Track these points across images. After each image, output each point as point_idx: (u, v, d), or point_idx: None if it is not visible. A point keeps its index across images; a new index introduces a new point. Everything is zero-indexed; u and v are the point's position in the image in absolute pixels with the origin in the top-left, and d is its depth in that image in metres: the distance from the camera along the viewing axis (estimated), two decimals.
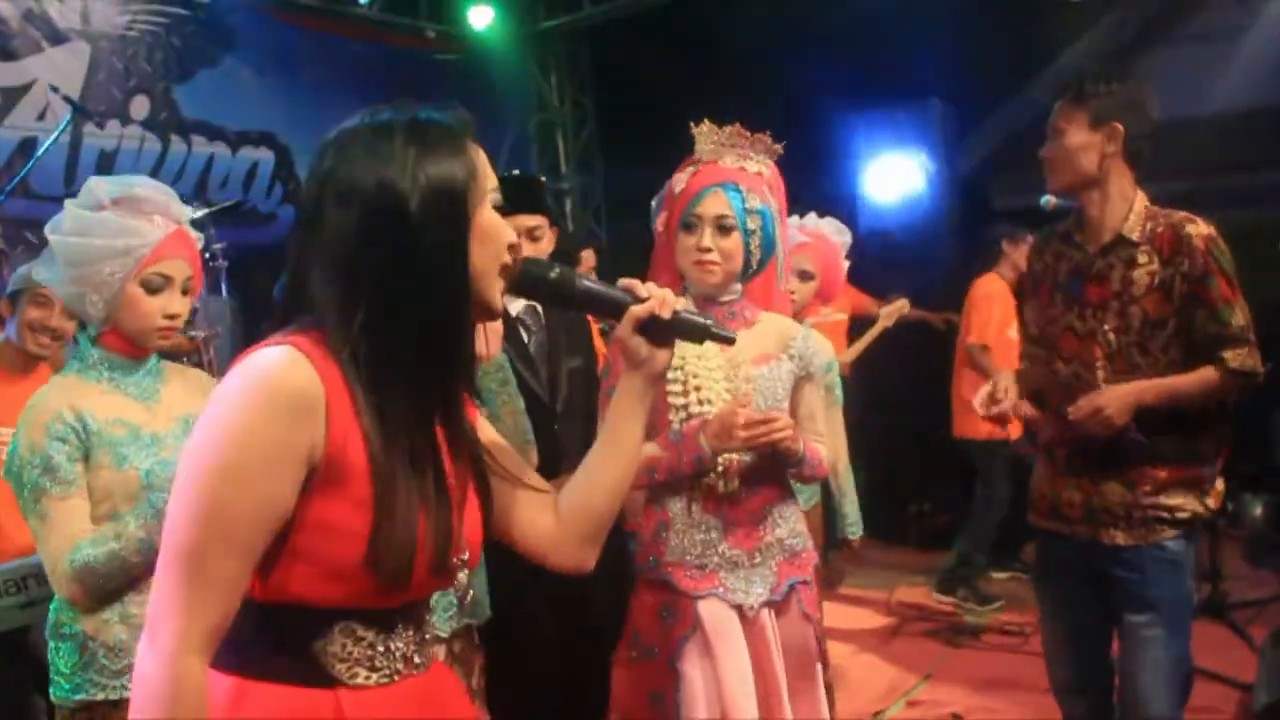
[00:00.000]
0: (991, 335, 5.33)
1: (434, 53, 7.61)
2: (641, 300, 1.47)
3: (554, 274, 1.46)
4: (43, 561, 2.00)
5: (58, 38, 5.71)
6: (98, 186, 2.06)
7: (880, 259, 6.59)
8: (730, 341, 1.55)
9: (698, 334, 1.53)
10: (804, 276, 3.39)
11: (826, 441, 2.42)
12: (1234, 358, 2.47)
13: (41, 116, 5.59)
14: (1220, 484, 2.57)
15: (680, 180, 2.34)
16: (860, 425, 6.33)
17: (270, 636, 1.29)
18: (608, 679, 2.87)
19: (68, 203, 2.06)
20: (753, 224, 2.27)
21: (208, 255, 5.05)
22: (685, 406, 2.23)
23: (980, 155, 7.36)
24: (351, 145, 1.30)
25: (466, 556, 1.38)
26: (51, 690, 2.05)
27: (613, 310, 1.50)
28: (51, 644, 2.06)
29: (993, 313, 5.36)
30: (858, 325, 6.14)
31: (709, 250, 2.24)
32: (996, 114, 7.32)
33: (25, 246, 5.05)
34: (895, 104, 6.84)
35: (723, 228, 2.25)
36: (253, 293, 4.27)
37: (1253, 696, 3.69)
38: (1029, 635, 4.75)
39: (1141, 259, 2.51)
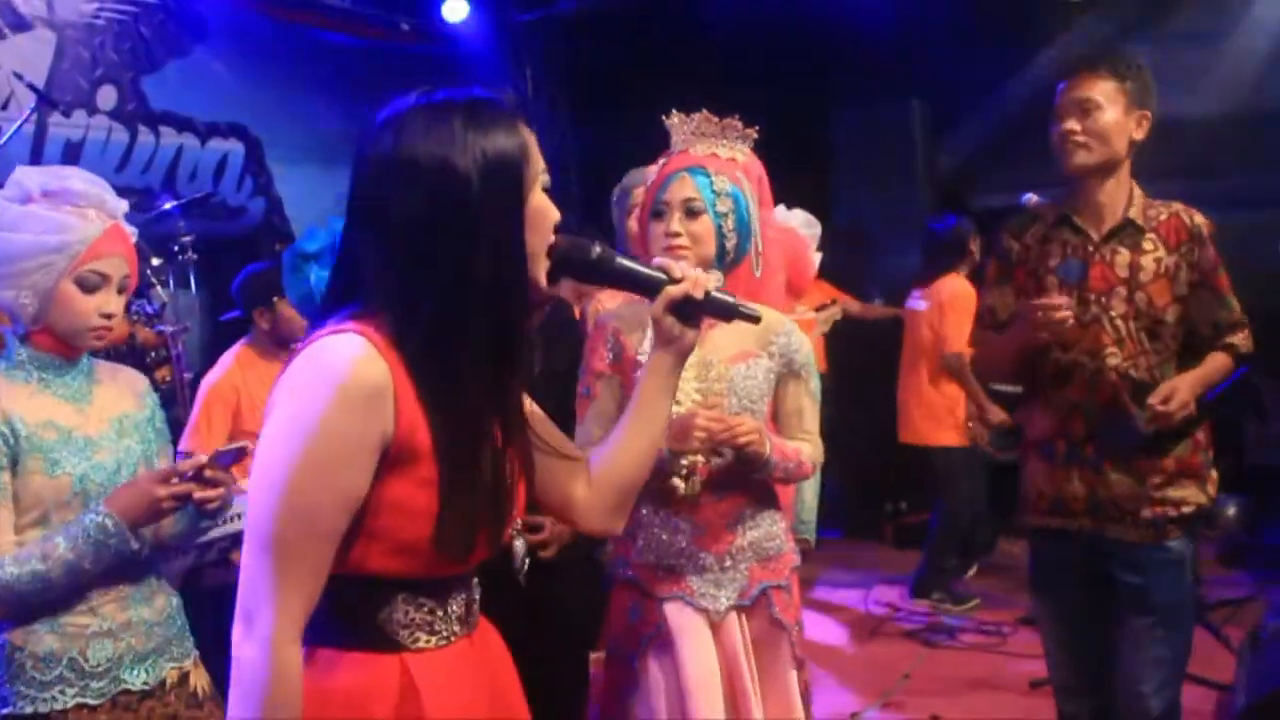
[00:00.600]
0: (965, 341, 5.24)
1: (408, 45, 7.52)
2: (676, 280, 1.51)
3: (595, 254, 1.49)
4: None
5: (22, 25, 5.58)
6: (27, 177, 1.95)
7: (858, 258, 6.58)
8: (756, 319, 1.58)
9: (727, 312, 1.58)
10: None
11: (813, 439, 2.36)
12: (1244, 342, 2.54)
13: (4, 105, 5.46)
14: (1215, 473, 2.57)
15: (651, 172, 2.30)
16: (836, 425, 6.31)
17: (338, 607, 1.35)
18: (581, 679, 2.84)
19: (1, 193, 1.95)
20: (723, 207, 2.19)
21: (176, 248, 4.96)
22: None
23: (960, 155, 7.36)
24: (410, 127, 1.31)
25: (519, 526, 1.51)
26: None
27: (648, 288, 1.53)
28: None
29: (966, 317, 5.21)
30: (834, 323, 6.11)
31: (678, 235, 2.17)
32: (976, 114, 7.33)
33: None
34: (874, 103, 6.80)
35: (691, 211, 2.18)
36: (222, 286, 4.20)
37: (1231, 698, 3.68)
38: (1006, 635, 4.75)
39: (1148, 245, 2.52)
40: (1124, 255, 2.52)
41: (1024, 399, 2.72)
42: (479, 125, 1.31)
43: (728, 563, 2.20)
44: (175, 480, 1.93)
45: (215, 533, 2.89)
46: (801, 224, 3.50)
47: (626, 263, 1.53)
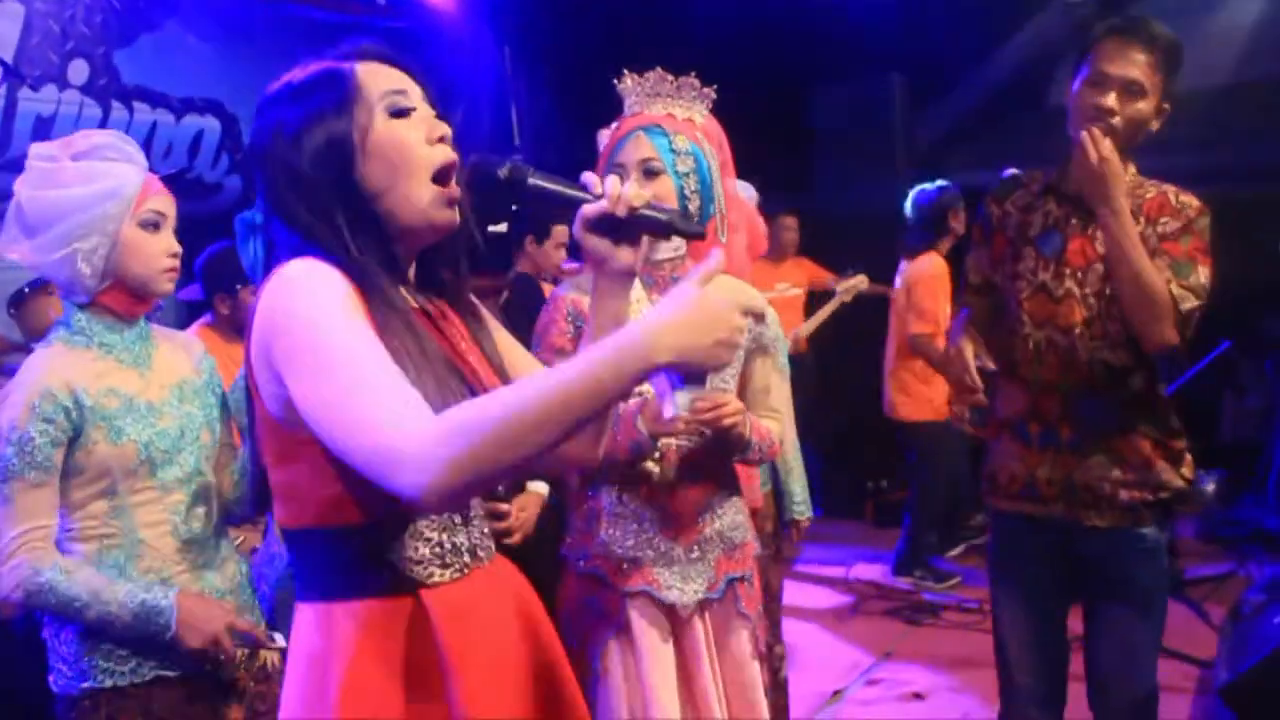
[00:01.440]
0: (936, 321, 5.18)
1: (385, 20, 7.44)
2: (598, 197, 1.46)
3: (504, 171, 1.43)
4: None
5: None
6: (47, 149, 1.92)
7: (838, 234, 6.55)
8: (701, 236, 1.53)
9: (660, 230, 1.50)
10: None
11: (780, 418, 2.29)
12: (1181, 298, 2.30)
13: None
14: (1189, 455, 2.47)
15: (605, 135, 2.19)
16: (817, 403, 6.33)
17: (346, 559, 1.38)
18: None
19: (29, 164, 1.91)
20: (683, 166, 2.09)
21: None
22: (641, 394, 2.06)
23: (940, 130, 7.33)
24: (257, 123, 1.46)
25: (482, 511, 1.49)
26: (52, 680, 1.94)
27: (567, 207, 1.48)
28: (50, 631, 1.95)
29: (937, 297, 5.10)
30: (815, 300, 6.11)
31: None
32: (956, 88, 7.30)
33: None
34: (854, 78, 6.77)
35: (649, 171, 2.06)
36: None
37: (1213, 674, 3.70)
38: (988, 612, 4.72)
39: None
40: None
41: (995, 376, 2.58)
42: (299, 107, 1.41)
43: (695, 553, 2.12)
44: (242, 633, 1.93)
45: None
46: (739, 188, 3.45)
47: (540, 182, 1.44)
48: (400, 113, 1.41)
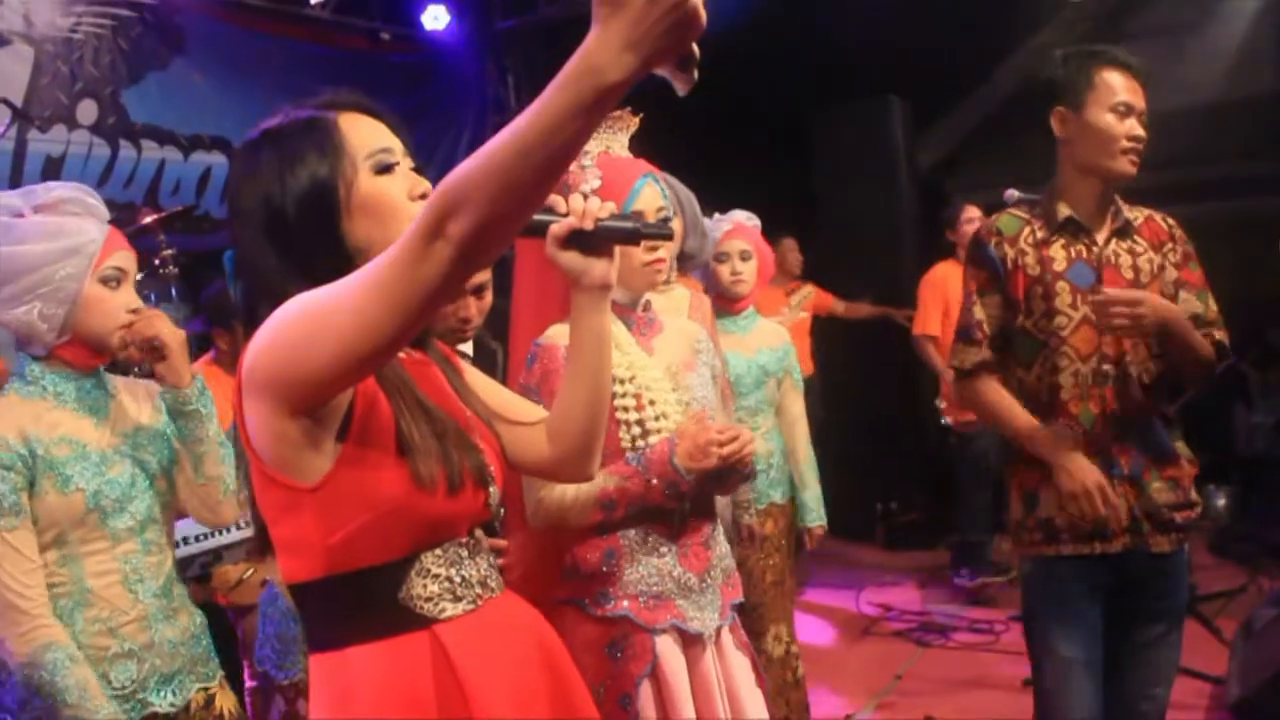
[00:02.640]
0: (936, 325, 5.33)
1: (390, 54, 7.51)
2: (563, 215, 1.53)
3: None
4: None
5: (0, 41, 5.56)
6: (8, 199, 1.94)
7: (842, 256, 6.58)
8: (669, 235, 1.60)
9: (629, 238, 1.59)
10: (744, 256, 3.43)
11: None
12: (1222, 338, 2.45)
13: None
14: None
15: (588, 176, 2.10)
16: (827, 424, 6.33)
17: (357, 603, 1.38)
18: None
19: None
20: (674, 210, 2.16)
21: (157, 262, 4.93)
22: (641, 422, 2.06)
23: (940, 151, 7.37)
24: (236, 170, 1.46)
25: (494, 475, 1.50)
26: None
27: (535, 232, 1.53)
28: None
29: (928, 301, 5.38)
30: (820, 323, 6.12)
31: (657, 248, 2.08)
32: (955, 110, 7.34)
33: None
34: (854, 101, 6.81)
35: (666, 220, 2.10)
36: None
37: (1225, 690, 3.68)
38: (999, 633, 4.74)
39: (1139, 248, 2.48)
40: (1126, 257, 2.45)
41: (1037, 420, 2.48)
42: (282, 154, 1.41)
43: (707, 581, 2.11)
44: None
45: (194, 548, 2.89)
46: (744, 218, 3.54)
47: None
48: (385, 169, 1.43)
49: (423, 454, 1.36)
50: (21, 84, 5.60)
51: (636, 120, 2.18)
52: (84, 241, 1.90)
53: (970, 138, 7.25)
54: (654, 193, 2.09)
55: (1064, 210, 2.48)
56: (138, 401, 2.08)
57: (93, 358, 1.98)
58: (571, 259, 1.55)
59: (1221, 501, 6.45)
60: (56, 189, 1.96)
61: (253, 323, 1.37)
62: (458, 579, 1.43)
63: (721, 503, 2.90)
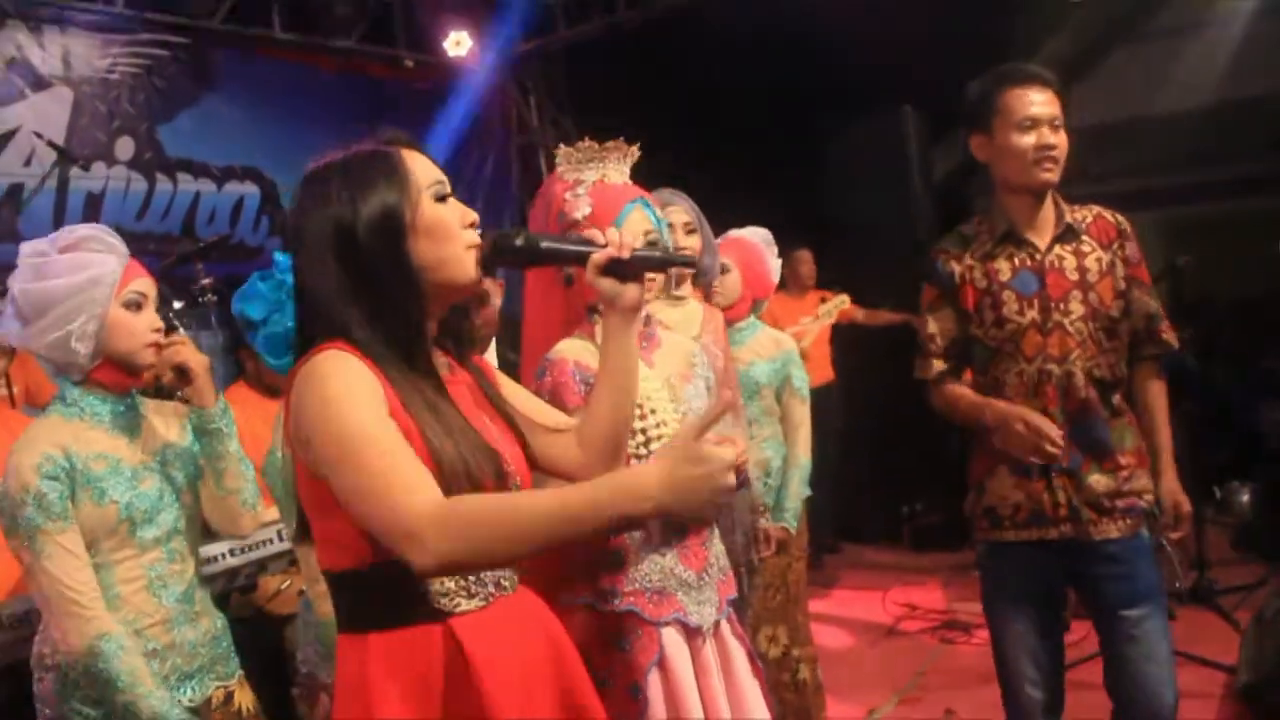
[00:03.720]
0: None
1: (413, 81, 7.69)
2: (602, 246, 1.71)
3: (520, 241, 1.68)
4: (37, 595, 2.05)
5: (41, 84, 5.77)
6: (36, 246, 2.13)
7: (859, 267, 6.69)
8: (691, 264, 1.82)
9: (659, 264, 1.82)
10: (723, 270, 3.45)
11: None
12: (1169, 335, 2.65)
13: (27, 162, 5.65)
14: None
15: (579, 204, 2.23)
16: (851, 430, 6.45)
17: (380, 593, 1.53)
18: None
19: (20, 260, 2.12)
20: (666, 235, 2.27)
21: (196, 290, 5.11)
22: (644, 430, 2.19)
23: (956, 160, 7.44)
24: (304, 199, 1.60)
25: (519, 481, 1.65)
26: None
27: (578, 260, 1.72)
28: (36, 674, 2.13)
29: None
30: (841, 331, 6.22)
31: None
32: None
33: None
34: (866, 113, 6.90)
35: (651, 244, 2.19)
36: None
37: (1235, 677, 3.76)
38: None
39: (1086, 248, 2.60)
40: (1070, 259, 2.58)
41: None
42: (352, 182, 1.57)
43: (705, 578, 2.25)
44: None
45: (239, 559, 3.05)
46: (748, 234, 3.64)
47: (550, 243, 1.74)
48: (442, 198, 1.62)
49: (450, 462, 1.51)
50: (62, 124, 5.83)
51: (633, 149, 2.30)
52: (104, 272, 2.10)
53: None
54: (641, 217, 2.21)
55: (1002, 225, 2.64)
56: (167, 421, 2.28)
57: (125, 379, 2.17)
58: (608, 285, 1.72)
59: (1245, 497, 6.48)
60: (79, 230, 2.15)
61: (305, 344, 1.58)
62: (472, 577, 1.58)
63: (742, 507, 3.04)
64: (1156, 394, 2.68)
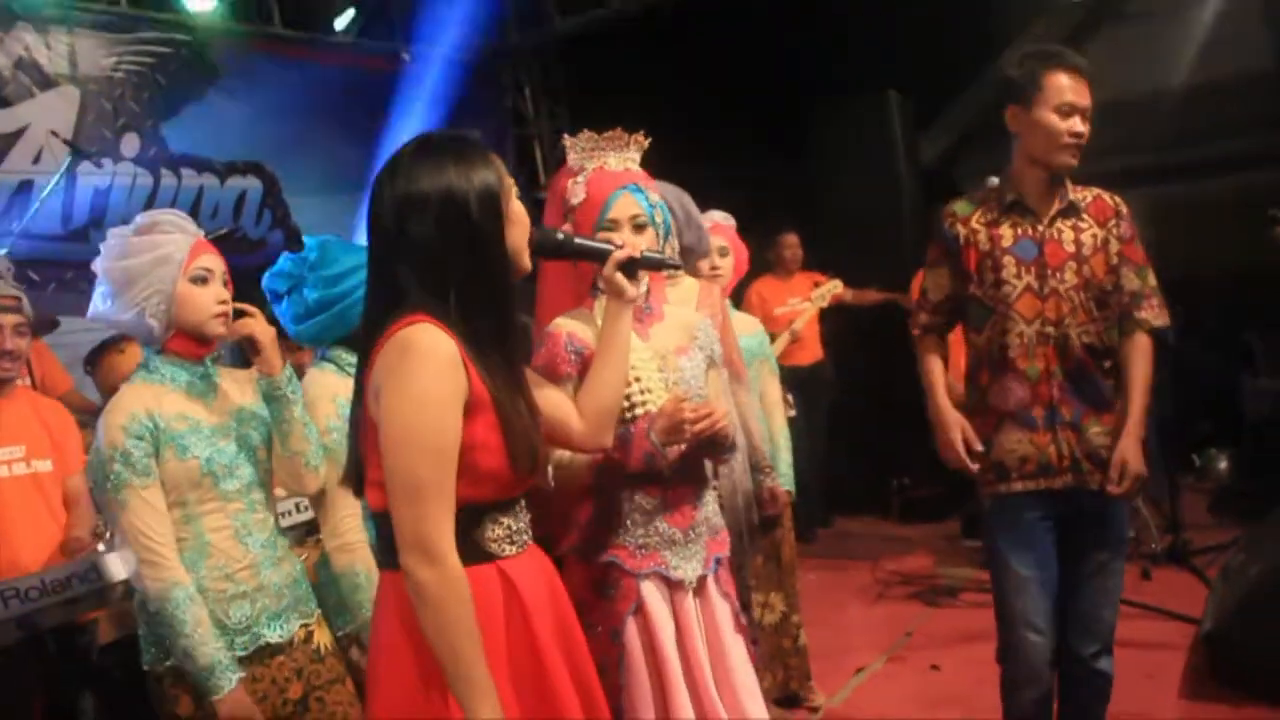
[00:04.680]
0: None
1: (410, 74, 7.82)
2: (620, 247, 2.08)
3: (560, 237, 2.06)
4: (131, 544, 2.22)
5: (48, 83, 5.93)
6: (120, 231, 2.35)
7: (847, 250, 6.85)
8: (680, 267, 2.21)
9: (658, 265, 2.18)
10: (723, 253, 3.69)
11: (737, 416, 2.63)
12: (1152, 313, 2.79)
13: (37, 159, 5.82)
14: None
15: (576, 191, 2.41)
16: (840, 406, 6.63)
17: None
18: None
19: (105, 242, 2.34)
20: (659, 217, 2.42)
21: None
22: (628, 396, 2.33)
23: (941, 145, 7.60)
24: (414, 170, 1.75)
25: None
26: (142, 658, 2.32)
27: (600, 256, 2.10)
28: (140, 616, 2.33)
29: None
30: (829, 311, 6.37)
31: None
32: (954, 104, 7.57)
33: (28, 285, 5.27)
34: (852, 98, 7.05)
35: (638, 226, 2.36)
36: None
37: (1200, 626, 3.95)
38: None
39: (1084, 224, 2.79)
40: (1069, 233, 2.78)
41: (988, 376, 2.86)
42: (466, 162, 1.75)
43: (691, 536, 2.41)
44: None
45: None
46: (721, 217, 3.81)
47: (582, 241, 2.12)
48: (518, 196, 1.86)
49: (520, 438, 1.76)
50: (69, 122, 5.99)
51: (637, 138, 2.48)
52: (173, 250, 2.31)
53: (972, 127, 7.47)
54: (628, 201, 2.38)
55: (1010, 195, 2.83)
56: (240, 387, 2.48)
57: (198, 348, 2.37)
58: (619, 279, 2.05)
59: (1224, 464, 6.69)
60: (154, 214, 2.37)
61: (384, 312, 1.75)
62: (515, 527, 1.84)
63: (740, 472, 3.20)
64: (1137, 362, 2.79)
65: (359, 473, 1.84)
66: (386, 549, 1.79)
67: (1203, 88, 7.12)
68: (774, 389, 3.85)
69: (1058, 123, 2.72)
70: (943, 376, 2.95)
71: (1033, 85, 2.75)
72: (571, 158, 2.48)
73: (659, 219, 2.43)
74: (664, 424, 2.30)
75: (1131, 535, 5.35)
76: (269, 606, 2.35)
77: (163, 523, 2.24)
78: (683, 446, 2.35)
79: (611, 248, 2.07)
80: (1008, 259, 2.80)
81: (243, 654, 2.29)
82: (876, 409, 6.78)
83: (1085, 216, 2.81)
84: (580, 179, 2.42)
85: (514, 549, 1.83)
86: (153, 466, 2.24)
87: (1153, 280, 2.83)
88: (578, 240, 2.09)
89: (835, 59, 6.64)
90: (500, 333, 1.79)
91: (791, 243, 6.42)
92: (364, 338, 1.79)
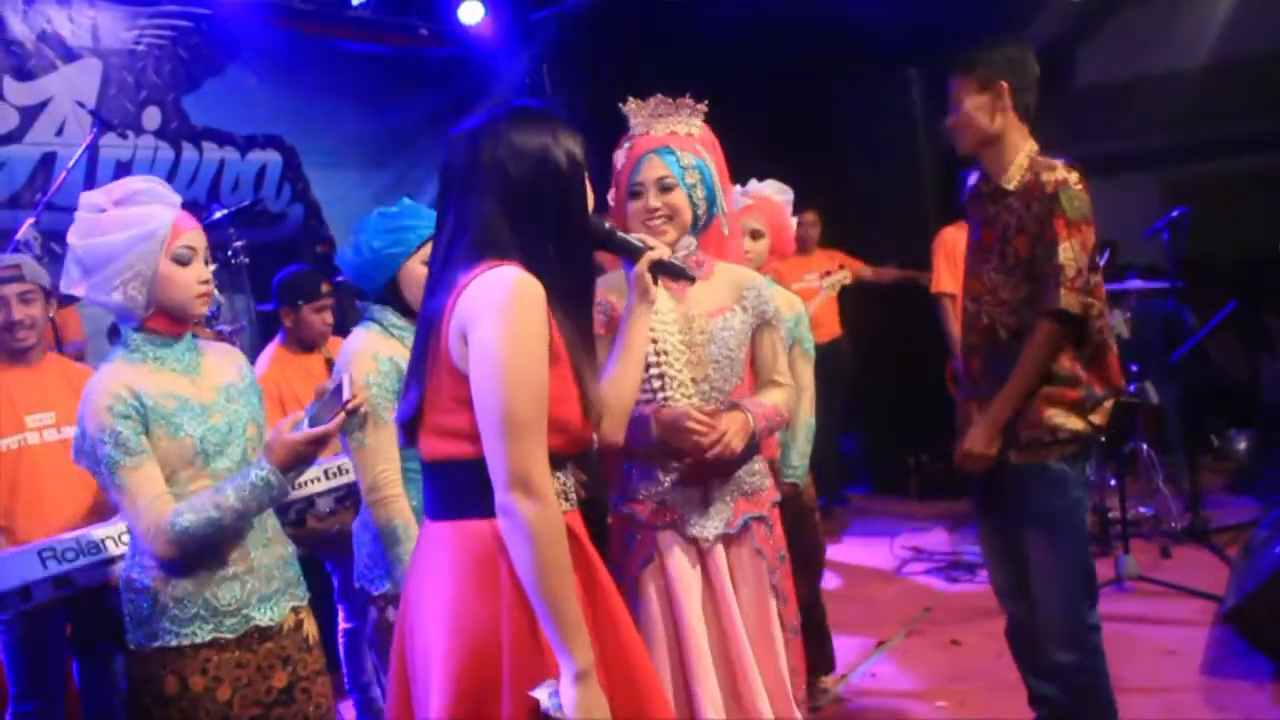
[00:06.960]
0: (949, 283, 5.40)
1: (428, 49, 7.83)
2: (652, 248, 2.15)
3: (606, 227, 2.11)
4: (133, 526, 2.20)
5: (71, 56, 5.95)
6: (94, 197, 2.25)
7: (869, 228, 6.85)
8: (692, 279, 2.21)
9: (681, 273, 2.23)
10: (755, 235, 3.54)
11: (785, 386, 2.60)
12: (1051, 292, 2.69)
13: (60, 131, 5.85)
14: (1110, 404, 2.80)
15: (619, 157, 2.54)
16: (859, 384, 6.64)
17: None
18: None
19: (77, 214, 2.24)
20: (691, 179, 2.46)
21: (230, 253, 5.31)
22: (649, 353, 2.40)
23: None
24: (515, 125, 1.82)
25: None
26: (127, 637, 2.28)
27: (634, 253, 2.15)
28: (126, 596, 2.29)
29: (938, 262, 5.51)
30: (848, 288, 6.36)
31: (656, 209, 2.44)
32: None
33: (50, 258, 5.29)
34: (872, 75, 7.01)
35: (665, 187, 2.44)
36: (269, 288, 4.53)
37: (1223, 604, 3.97)
38: None
39: (1015, 204, 2.78)
40: (1000, 217, 2.82)
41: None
42: (565, 129, 1.85)
43: (714, 496, 2.46)
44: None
45: (291, 495, 3.24)
46: (774, 191, 3.69)
47: (621, 234, 2.16)
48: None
49: (592, 394, 1.83)
50: (92, 95, 6.01)
51: (682, 103, 2.54)
52: (155, 227, 2.21)
53: None
54: (654, 164, 2.47)
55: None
56: (223, 362, 2.42)
57: (177, 326, 2.31)
58: (648, 279, 2.14)
59: (1242, 444, 6.68)
60: (132, 182, 2.27)
61: (465, 258, 1.78)
62: (569, 484, 1.88)
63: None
64: (1027, 348, 2.75)
65: (416, 418, 1.84)
66: (445, 498, 1.82)
67: (1221, 68, 7.10)
68: (806, 372, 3.75)
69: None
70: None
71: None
72: (632, 125, 2.54)
73: (692, 180, 2.47)
74: (667, 423, 2.38)
75: (1151, 513, 5.41)
76: (259, 589, 2.30)
77: (162, 498, 2.19)
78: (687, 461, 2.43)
79: (645, 247, 2.15)
80: (965, 237, 3.11)
81: (231, 636, 2.25)
82: (894, 387, 6.80)
83: (1017, 197, 2.80)
84: (625, 145, 2.50)
85: (567, 505, 1.86)
86: (144, 444, 2.18)
87: (1064, 258, 2.70)
88: (618, 233, 2.16)
89: (856, 36, 6.60)
90: (580, 287, 1.87)
91: (810, 220, 6.40)
92: (437, 282, 1.83)
